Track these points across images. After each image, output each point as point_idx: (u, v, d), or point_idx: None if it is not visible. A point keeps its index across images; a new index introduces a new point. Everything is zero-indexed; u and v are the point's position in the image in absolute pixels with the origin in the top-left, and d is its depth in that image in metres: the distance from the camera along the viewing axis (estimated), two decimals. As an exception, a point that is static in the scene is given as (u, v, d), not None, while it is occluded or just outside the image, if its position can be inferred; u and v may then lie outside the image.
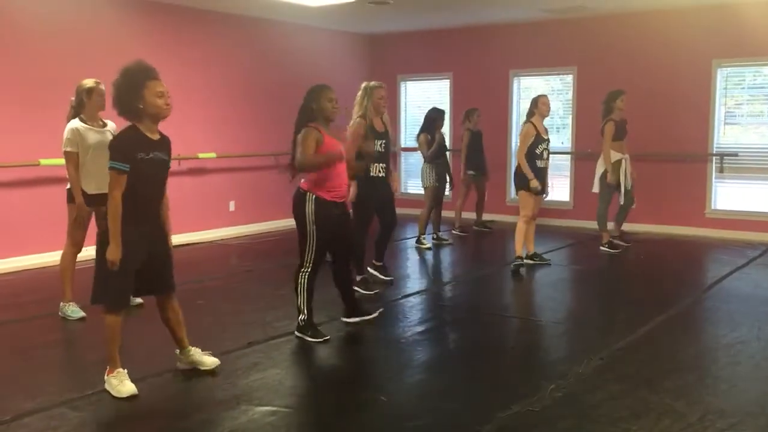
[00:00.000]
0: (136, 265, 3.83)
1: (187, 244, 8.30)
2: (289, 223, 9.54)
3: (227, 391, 3.94)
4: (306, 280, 4.78)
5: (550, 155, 7.18)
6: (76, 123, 5.23)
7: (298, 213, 4.75)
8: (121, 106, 3.81)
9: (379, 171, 6.04)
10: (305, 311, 4.81)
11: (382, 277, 6.45)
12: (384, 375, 4.39)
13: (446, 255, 8.18)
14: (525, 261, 7.14)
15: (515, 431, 3.46)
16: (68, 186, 5.30)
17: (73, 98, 5.30)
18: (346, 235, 4.94)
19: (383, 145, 6.04)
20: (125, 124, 3.91)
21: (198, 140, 8.75)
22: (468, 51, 10.74)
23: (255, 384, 4.04)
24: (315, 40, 10.47)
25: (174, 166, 8.30)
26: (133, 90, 3.76)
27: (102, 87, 5.29)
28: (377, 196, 6.05)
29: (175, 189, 8.85)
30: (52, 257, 6.98)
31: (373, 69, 11.44)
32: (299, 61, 10.12)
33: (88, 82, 5.28)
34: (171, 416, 3.71)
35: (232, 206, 9.33)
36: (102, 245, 3.80)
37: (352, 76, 11.16)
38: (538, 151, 6.90)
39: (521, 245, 7.02)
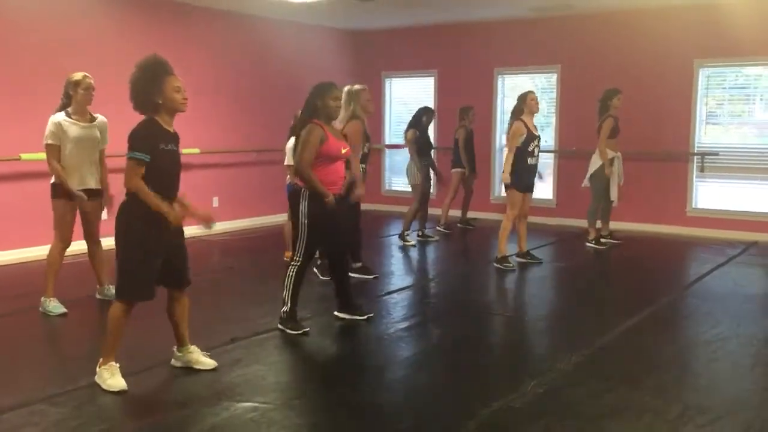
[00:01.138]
0: (159, 257, 3.85)
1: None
2: (272, 219, 9.59)
3: (209, 387, 3.92)
4: (294, 273, 4.84)
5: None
6: (59, 116, 5.18)
7: (293, 208, 4.87)
8: (139, 100, 3.81)
9: (362, 171, 6.19)
10: (288, 303, 4.86)
11: (367, 276, 6.50)
12: (367, 371, 4.39)
13: (431, 252, 8.19)
14: (517, 260, 7.19)
15: (497, 427, 3.48)
16: (52, 180, 5.25)
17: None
18: (344, 230, 5.05)
19: (368, 146, 6.35)
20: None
21: (182, 136, 8.65)
22: (453, 48, 10.75)
23: (237, 380, 4.03)
24: (299, 36, 10.43)
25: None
26: (152, 84, 3.78)
27: (90, 80, 5.22)
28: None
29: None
30: (33, 252, 6.92)
31: (358, 65, 11.42)
32: (283, 58, 10.08)
33: (76, 75, 5.21)
34: (152, 412, 3.69)
35: (215, 202, 9.29)
36: (121, 236, 3.79)
37: (337, 72, 11.13)
38: (530, 149, 6.83)
39: (506, 244, 7.00)
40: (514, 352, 4.85)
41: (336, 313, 5.20)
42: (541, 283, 6.81)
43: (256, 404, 3.68)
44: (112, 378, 3.83)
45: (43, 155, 5.31)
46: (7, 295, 5.96)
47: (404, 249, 8.17)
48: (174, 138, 3.94)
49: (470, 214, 9.71)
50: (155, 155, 3.77)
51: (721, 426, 3.44)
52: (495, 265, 6.99)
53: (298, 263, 4.85)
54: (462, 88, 10.54)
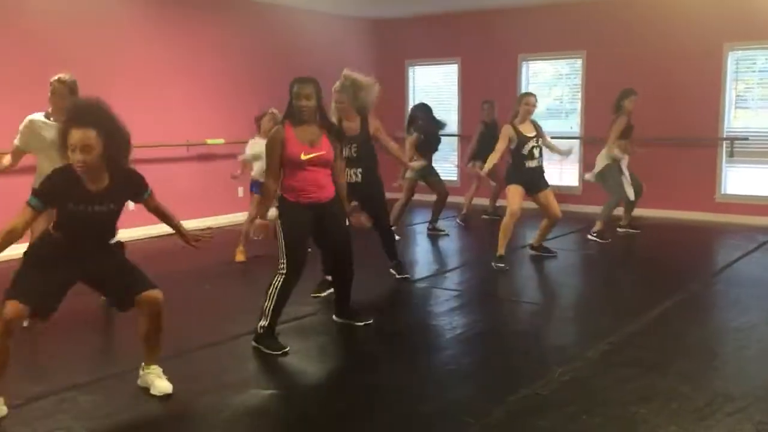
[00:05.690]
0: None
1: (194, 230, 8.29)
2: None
3: (237, 374, 3.97)
4: (279, 284, 4.32)
5: (542, 151, 6.68)
6: (37, 116, 4.91)
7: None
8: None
9: (354, 176, 5.55)
10: (268, 317, 4.32)
11: (398, 275, 6.14)
12: (394, 359, 4.39)
13: (455, 241, 8.17)
14: (531, 252, 7.06)
15: (524, 414, 3.47)
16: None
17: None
18: (334, 237, 4.56)
19: (354, 148, 5.56)
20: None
21: (206, 126, 8.78)
22: (476, 35, 10.68)
23: (261, 368, 4.08)
24: (320, 25, 10.42)
25: (183, 152, 8.27)
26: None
27: (55, 83, 4.79)
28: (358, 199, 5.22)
29: (185, 175, 8.90)
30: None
31: (380, 54, 11.40)
32: (304, 47, 10.09)
33: (53, 77, 4.83)
34: (173, 400, 3.72)
35: (240, 192, 9.34)
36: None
37: (359, 61, 11.12)
38: (525, 152, 6.50)
39: (504, 244, 6.59)
40: (541, 340, 4.82)
41: (334, 317, 4.94)
42: (568, 271, 6.77)
43: (278, 391, 3.70)
44: None
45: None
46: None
47: (434, 238, 8.15)
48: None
49: (475, 203, 9.38)
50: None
51: (750, 413, 3.40)
52: (495, 266, 6.52)
53: (283, 272, 4.32)
54: (486, 76, 10.48)
